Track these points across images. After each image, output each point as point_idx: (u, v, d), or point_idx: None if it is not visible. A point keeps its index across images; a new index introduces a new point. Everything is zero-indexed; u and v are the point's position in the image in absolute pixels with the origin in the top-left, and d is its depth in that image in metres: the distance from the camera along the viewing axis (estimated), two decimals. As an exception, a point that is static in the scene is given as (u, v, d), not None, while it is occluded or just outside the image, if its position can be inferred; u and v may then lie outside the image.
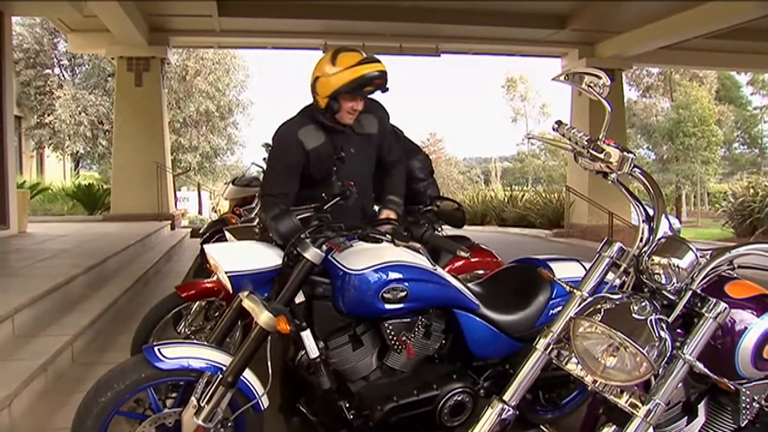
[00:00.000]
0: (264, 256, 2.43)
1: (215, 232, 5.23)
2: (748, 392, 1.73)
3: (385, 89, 2.91)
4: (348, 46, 2.92)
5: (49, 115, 20.50)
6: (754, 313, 1.69)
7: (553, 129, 1.94)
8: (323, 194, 2.61)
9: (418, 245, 2.44)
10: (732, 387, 1.61)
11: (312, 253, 2.32)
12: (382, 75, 2.83)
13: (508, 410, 1.79)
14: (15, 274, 5.47)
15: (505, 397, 1.80)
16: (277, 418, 2.64)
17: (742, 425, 1.76)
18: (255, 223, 4.63)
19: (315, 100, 2.93)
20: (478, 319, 2.64)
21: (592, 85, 1.80)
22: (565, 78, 1.89)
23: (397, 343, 2.50)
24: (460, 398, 2.58)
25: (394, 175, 3.27)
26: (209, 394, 2.23)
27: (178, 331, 3.66)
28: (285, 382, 2.64)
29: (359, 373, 2.52)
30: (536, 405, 3.06)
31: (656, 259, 1.66)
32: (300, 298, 2.42)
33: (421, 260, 2.50)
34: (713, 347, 1.65)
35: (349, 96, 2.84)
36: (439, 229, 3.43)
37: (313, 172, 2.96)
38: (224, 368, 2.25)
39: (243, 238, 3.39)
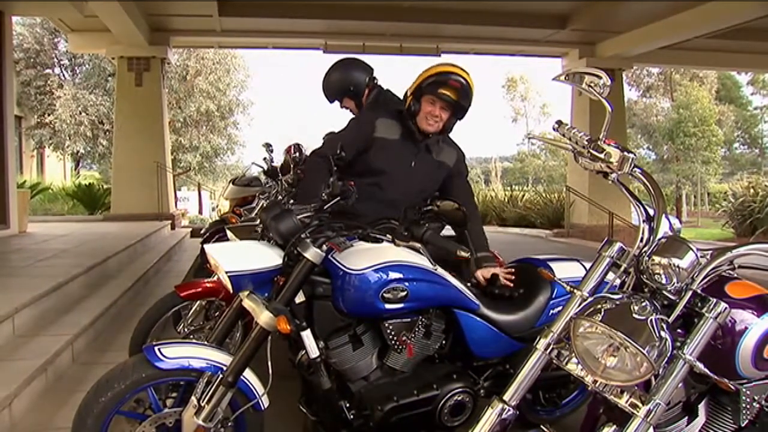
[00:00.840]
0: (264, 256, 2.43)
1: (215, 231, 5.22)
2: (748, 392, 1.73)
3: (466, 106, 2.98)
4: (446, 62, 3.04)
5: (49, 115, 20.51)
6: (755, 313, 1.69)
7: (554, 129, 1.94)
8: (323, 194, 2.61)
9: (418, 245, 2.44)
10: (732, 387, 1.61)
11: (312, 253, 2.32)
12: (457, 77, 2.90)
13: (509, 410, 1.79)
14: (15, 273, 5.48)
15: (506, 397, 1.80)
16: (276, 418, 2.64)
17: (743, 425, 1.76)
18: (257, 223, 4.63)
19: (406, 105, 3.05)
20: (478, 319, 2.64)
21: (592, 85, 1.80)
22: (565, 78, 1.89)
23: (398, 343, 2.50)
24: (460, 398, 2.57)
25: (473, 227, 3.15)
26: (209, 393, 2.23)
27: (178, 330, 3.66)
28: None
29: (359, 373, 2.52)
30: (536, 405, 3.06)
31: (656, 259, 1.66)
32: (300, 297, 2.42)
33: (422, 260, 2.50)
34: (713, 347, 1.65)
35: (428, 99, 2.95)
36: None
37: (372, 160, 3.06)
38: (224, 368, 2.25)
39: (244, 237, 3.39)
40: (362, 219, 2.66)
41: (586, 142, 1.83)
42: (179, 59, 20.60)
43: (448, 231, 2.97)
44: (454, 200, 2.51)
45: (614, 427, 1.66)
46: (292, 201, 3.81)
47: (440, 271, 2.55)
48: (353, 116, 3.90)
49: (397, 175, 3.05)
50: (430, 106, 2.97)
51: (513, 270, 2.93)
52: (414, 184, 3.10)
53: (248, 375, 2.31)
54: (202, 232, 6.19)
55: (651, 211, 1.81)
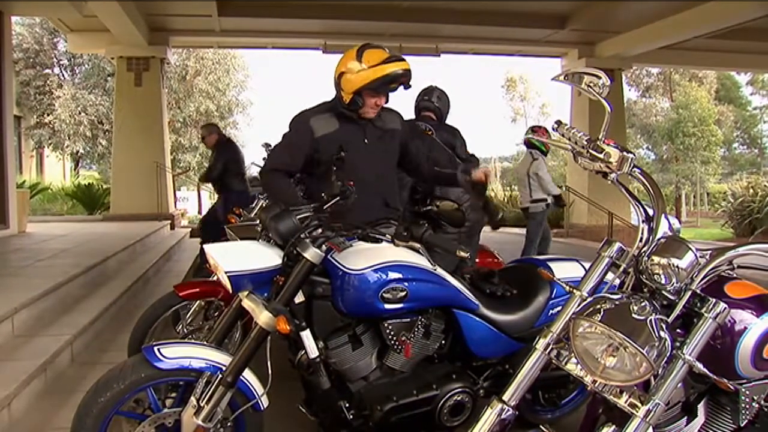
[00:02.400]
0: (264, 256, 2.43)
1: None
2: (747, 392, 1.73)
3: (408, 86, 2.94)
4: (373, 43, 2.95)
5: (48, 115, 20.49)
6: (754, 313, 1.69)
7: (553, 129, 1.94)
8: (323, 194, 2.61)
9: (417, 245, 2.44)
10: (732, 387, 1.61)
11: (312, 253, 2.31)
12: (407, 73, 2.87)
13: (508, 410, 1.79)
14: (15, 273, 5.47)
15: (505, 397, 1.80)
16: (276, 418, 2.64)
17: (742, 425, 1.76)
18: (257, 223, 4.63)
19: (339, 95, 2.96)
20: (477, 319, 2.64)
21: (591, 85, 1.80)
22: (564, 78, 1.89)
23: (397, 343, 2.50)
24: (459, 398, 2.57)
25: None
26: (209, 394, 2.23)
27: (177, 330, 3.66)
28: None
29: (359, 373, 2.52)
30: (536, 405, 3.06)
31: (656, 259, 1.66)
32: (300, 297, 2.42)
33: (421, 260, 2.50)
34: (713, 347, 1.65)
35: (373, 92, 2.89)
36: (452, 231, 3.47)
37: (325, 159, 2.94)
38: (224, 368, 2.25)
39: (244, 236, 3.39)
40: (353, 213, 2.65)
41: (585, 142, 1.83)
42: (179, 59, 20.58)
43: None
44: (453, 200, 2.51)
45: (613, 427, 1.66)
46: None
47: (440, 271, 2.55)
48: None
49: (355, 159, 2.87)
50: (375, 99, 2.93)
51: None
52: (375, 160, 3.04)
53: (248, 375, 2.31)
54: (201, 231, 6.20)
55: (650, 211, 1.81)
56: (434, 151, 3.77)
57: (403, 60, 2.88)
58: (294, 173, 3.19)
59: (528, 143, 7.71)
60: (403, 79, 2.88)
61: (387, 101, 3.01)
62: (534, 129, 7.22)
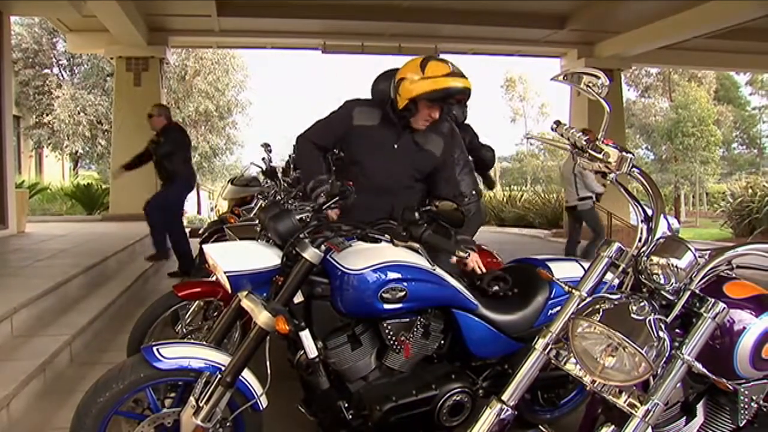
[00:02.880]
0: (263, 256, 2.43)
1: (214, 232, 5.23)
2: (746, 392, 1.73)
3: (465, 104, 2.98)
4: (438, 57, 2.99)
5: (47, 115, 20.46)
6: (753, 313, 1.69)
7: (552, 129, 1.94)
8: (321, 195, 2.61)
9: (416, 245, 2.44)
10: (730, 387, 1.61)
11: (311, 253, 2.32)
12: (466, 91, 2.87)
13: (507, 410, 1.79)
14: (14, 274, 5.47)
15: (504, 397, 1.80)
16: (275, 418, 2.64)
17: (741, 425, 1.76)
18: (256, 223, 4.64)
19: (395, 99, 2.95)
20: (476, 319, 2.64)
21: (590, 85, 1.80)
22: (563, 78, 1.89)
23: (396, 343, 2.50)
24: (458, 398, 2.58)
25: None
26: (208, 394, 2.23)
27: (176, 330, 3.66)
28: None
29: (358, 373, 2.52)
30: (535, 405, 3.06)
31: (655, 259, 1.66)
32: (299, 297, 2.42)
33: (420, 260, 2.50)
34: (712, 347, 1.65)
35: (428, 103, 2.88)
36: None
37: (354, 149, 3.03)
38: (223, 368, 2.25)
39: (244, 236, 3.39)
40: (353, 211, 2.65)
41: (584, 142, 1.84)
42: (178, 59, 20.57)
43: None
44: (453, 200, 2.50)
45: (613, 427, 1.66)
46: (291, 201, 3.81)
47: (439, 271, 2.55)
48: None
49: (379, 159, 2.98)
50: (430, 111, 2.91)
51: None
52: (398, 168, 3.03)
53: (247, 375, 2.31)
54: (200, 232, 6.20)
55: (649, 211, 1.81)
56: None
57: (465, 77, 2.87)
58: (325, 149, 3.18)
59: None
60: (461, 96, 2.90)
61: (440, 116, 3.00)
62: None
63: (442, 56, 2.98)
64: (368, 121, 3.01)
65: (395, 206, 2.98)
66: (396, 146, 3.01)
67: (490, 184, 5.18)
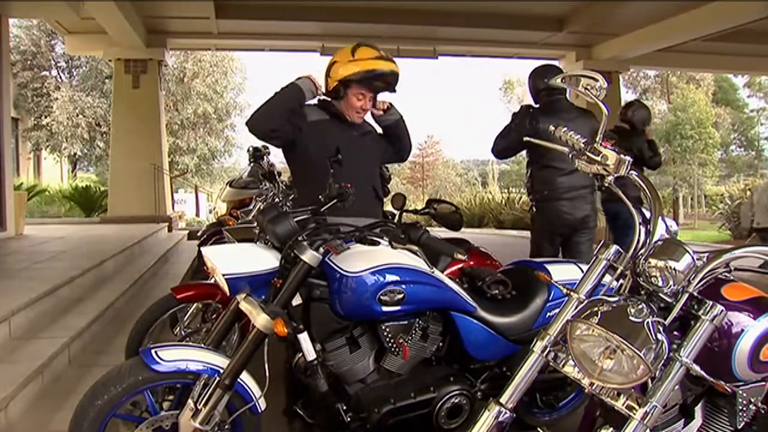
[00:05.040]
0: (261, 259, 2.43)
1: (213, 234, 5.22)
2: (744, 394, 1.74)
3: (393, 90, 3.00)
4: (368, 42, 3.09)
5: (46, 117, 20.45)
6: (751, 315, 1.69)
7: (550, 132, 1.94)
8: (320, 196, 2.62)
9: (415, 248, 2.44)
10: (729, 389, 1.61)
11: (309, 256, 2.31)
12: (393, 74, 3.00)
13: (505, 413, 1.79)
14: (12, 276, 5.46)
15: (502, 400, 1.80)
16: (274, 420, 2.63)
17: (739, 427, 1.77)
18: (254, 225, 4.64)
19: (326, 83, 3.07)
20: (475, 321, 2.64)
21: (589, 87, 1.80)
22: (562, 81, 1.89)
23: (394, 345, 2.50)
24: (457, 401, 2.58)
25: None
26: (206, 396, 2.22)
27: (175, 333, 3.65)
28: (289, 385, 2.64)
29: (356, 375, 2.52)
30: (533, 407, 3.06)
31: (653, 261, 1.66)
32: (297, 300, 2.42)
33: (418, 263, 2.50)
34: (710, 350, 1.65)
35: (357, 88, 3.01)
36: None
37: (313, 152, 3.07)
38: (221, 371, 2.25)
39: (242, 238, 3.39)
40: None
41: (583, 145, 1.84)
42: (176, 61, 20.56)
43: None
44: (451, 203, 2.51)
45: (611, 429, 1.66)
46: (289, 203, 3.82)
47: (437, 273, 2.55)
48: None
49: (348, 149, 2.94)
50: (360, 98, 3.05)
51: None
52: (366, 154, 3.23)
53: (245, 378, 2.31)
54: (199, 234, 6.19)
55: (647, 214, 1.82)
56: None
57: (393, 62, 3.00)
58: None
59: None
60: (389, 78, 3.00)
61: (372, 106, 3.14)
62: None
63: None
64: (320, 116, 3.17)
65: (376, 188, 3.28)
66: (354, 134, 3.19)
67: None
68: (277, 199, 4.51)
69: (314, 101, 3.21)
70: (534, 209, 4.44)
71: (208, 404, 2.22)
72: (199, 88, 21.36)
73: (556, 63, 15.20)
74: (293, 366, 2.56)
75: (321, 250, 2.34)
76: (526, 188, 4.56)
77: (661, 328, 1.53)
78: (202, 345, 2.53)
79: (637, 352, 1.47)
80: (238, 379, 2.27)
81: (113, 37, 11.90)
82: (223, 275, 2.36)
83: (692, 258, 1.65)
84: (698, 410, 1.83)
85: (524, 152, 4.55)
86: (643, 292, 1.69)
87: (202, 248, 2.81)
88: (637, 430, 1.56)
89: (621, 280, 1.81)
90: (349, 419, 2.46)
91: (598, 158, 1.80)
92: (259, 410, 2.34)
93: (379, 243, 2.46)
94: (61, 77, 21.88)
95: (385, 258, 2.45)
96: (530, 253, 4.42)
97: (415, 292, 2.46)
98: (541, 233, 4.47)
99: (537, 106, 4.47)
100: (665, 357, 1.53)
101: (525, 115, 4.32)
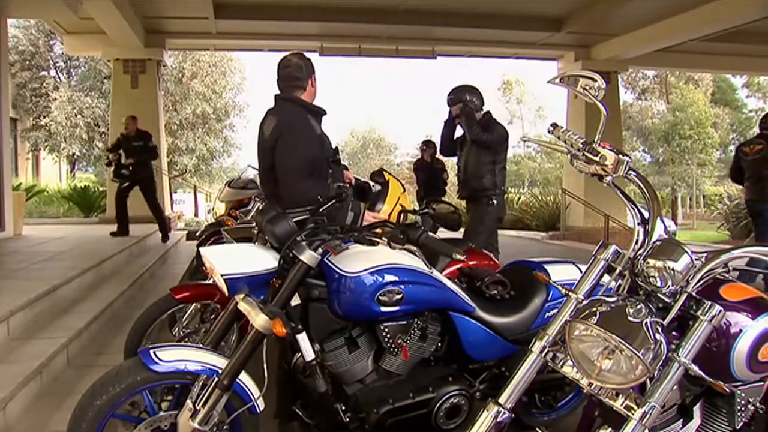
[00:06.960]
0: (260, 259, 2.43)
1: (211, 234, 5.22)
2: (743, 395, 1.74)
3: None
4: None
5: (45, 117, 20.41)
6: (749, 315, 1.69)
7: (549, 132, 1.94)
8: (318, 196, 2.61)
9: (413, 248, 2.43)
10: (727, 389, 1.62)
11: (308, 256, 2.31)
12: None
13: (504, 413, 1.79)
14: (10, 276, 5.46)
15: (501, 400, 1.80)
16: (273, 421, 2.63)
17: (738, 427, 1.77)
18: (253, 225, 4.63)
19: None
20: (473, 321, 2.64)
21: (587, 87, 1.80)
22: (560, 81, 1.89)
23: (393, 345, 2.50)
24: (455, 401, 2.57)
25: None
26: (205, 397, 2.22)
27: (174, 333, 3.65)
28: (281, 387, 2.64)
29: (355, 375, 2.51)
30: (532, 407, 3.06)
31: (652, 261, 1.66)
32: (296, 300, 2.42)
33: (417, 263, 2.50)
34: (708, 350, 1.65)
35: None
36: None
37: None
38: (220, 371, 2.24)
39: (240, 238, 3.38)
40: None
41: (581, 145, 1.84)
42: (175, 61, 20.55)
43: None
44: (450, 203, 2.51)
45: (610, 429, 1.66)
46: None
47: (436, 273, 2.55)
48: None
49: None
50: None
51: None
52: None
53: (244, 378, 2.31)
54: (197, 234, 6.19)
55: (646, 214, 1.82)
56: None
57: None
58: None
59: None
60: None
61: None
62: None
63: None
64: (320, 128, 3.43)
65: None
66: None
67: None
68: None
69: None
70: (494, 202, 5.26)
71: (207, 404, 2.21)
72: (197, 88, 21.34)
73: (554, 63, 15.27)
74: (292, 366, 2.55)
75: (320, 250, 2.34)
76: (486, 184, 5.25)
77: (659, 329, 1.53)
78: (201, 345, 2.52)
79: (636, 352, 1.47)
80: (237, 380, 2.27)
81: (112, 37, 11.90)
82: (222, 275, 2.36)
83: (691, 258, 1.65)
84: (697, 410, 1.83)
85: (487, 152, 5.26)
86: (641, 293, 1.69)
87: (200, 248, 2.81)
88: (636, 430, 1.56)
89: (619, 281, 1.81)
90: (347, 419, 2.46)
91: (597, 158, 1.80)
92: (258, 410, 2.34)
93: (378, 243, 2.45)
94: (59, 77, 21.84)
95: (383, 258, 2.45)
96: (479, 239, 5.03)
97: (413, 292, 2.46)
98: (496, 220, 5.44)
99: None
100: (664, 357, 1.53)
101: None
